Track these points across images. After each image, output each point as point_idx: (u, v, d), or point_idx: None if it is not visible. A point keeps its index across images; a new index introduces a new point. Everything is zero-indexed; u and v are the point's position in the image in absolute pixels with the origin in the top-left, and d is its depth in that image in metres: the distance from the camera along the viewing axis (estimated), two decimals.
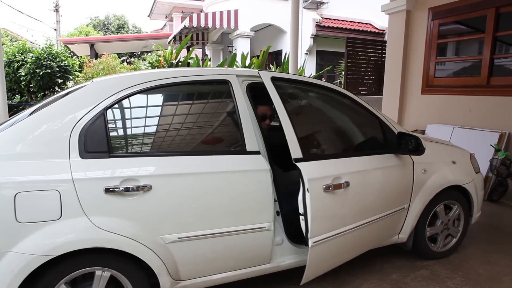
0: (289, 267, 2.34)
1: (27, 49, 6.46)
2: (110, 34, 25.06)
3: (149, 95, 2.12)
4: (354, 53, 8.20)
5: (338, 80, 10.66)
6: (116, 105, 1.97)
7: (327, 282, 2.57)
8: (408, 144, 2.53)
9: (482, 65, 4.96)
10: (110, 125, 1.93)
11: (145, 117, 2.13)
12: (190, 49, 7.64)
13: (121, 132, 2.04)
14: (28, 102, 6.42)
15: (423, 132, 5.52)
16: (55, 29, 18.57)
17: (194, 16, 10.52)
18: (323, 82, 2.67)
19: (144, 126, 2.12)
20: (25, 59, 6.31)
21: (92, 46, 14.40)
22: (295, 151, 2.12)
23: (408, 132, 2.62)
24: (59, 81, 6.60)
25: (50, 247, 1.72)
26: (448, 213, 2.94)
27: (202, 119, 2.31)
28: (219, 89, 2.32)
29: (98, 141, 1.88)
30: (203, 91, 2.37)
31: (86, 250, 1.79)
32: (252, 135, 2.19)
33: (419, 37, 5.92)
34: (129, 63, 13.10)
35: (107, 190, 1.81)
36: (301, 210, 2.13)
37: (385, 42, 8.81)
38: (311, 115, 2.84)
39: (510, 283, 2.60)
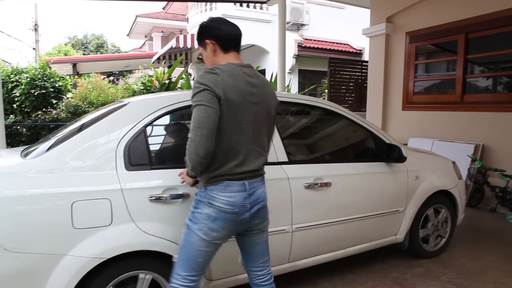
0: None
1: (21, 70, 6.55)
2: (89, 53, 25.03)
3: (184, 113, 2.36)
4: (336, 72, 8.69)
5: (321, 98, 11.12)
6: (155, 122, 2.21)
7: (336, 281, 2.84)
8: (393, 154, 2.88)
9: (456, 83, 5.47)
10: (150, 141, 2.17)
11: (179, 133, 2.38)
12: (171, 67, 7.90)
13: (159, 147, 2.28)
14: (22, 122, 6.47)
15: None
16: (34, 48, 18.45)
17: (181, 37, 10.84)
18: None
19: (179, 141, 2.36)
20: (19, 80, 6.38)
21: (74, 65, 14.44)
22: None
23: (394, 143, 2.96)
24: (54, 101, 6.69)
25: (102, 250, 1.91)
26: (437, 216, 3.28)
27: None
28: None
29: (140, 155, 2.11)
30: None
31: (131, 254, 1.99)
32: None
33: (398, 58, 6.42)
34: (113, 81, 13.19)
35: (151, 198, 2.03)
36: None
37: (364, 61, 9.40)
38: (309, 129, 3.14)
39: (494, 275, 2.96)
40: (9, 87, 6.32)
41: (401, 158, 2.84)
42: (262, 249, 1.92)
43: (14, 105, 6.52)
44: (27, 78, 6.33)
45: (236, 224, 1.77)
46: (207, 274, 2.23)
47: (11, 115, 6.34)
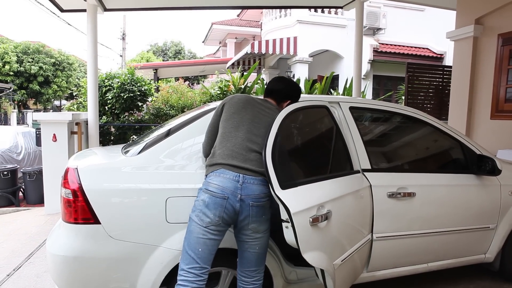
0: None
1: (113, 75, 7.22)
2: (168, 59, 26.79)
3: None
4: (414, 78, 8.28)
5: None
6: None
7: None
8: (485, 166, 2.67)
9: None
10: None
11: None
12: (245, 73, 8.10)
13: None
14: (112, 123, 7.12)
15: None
16: (121, 55, 20.23)
17: (256, 43, 11.12)
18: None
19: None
20: (112, 84, 7.03)
21: (156, 70, 15.54)
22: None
23: (486, 155, 2.76)
24: (139, 104, 7.27)
25: None
26: None
27: None
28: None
29: None
30: None
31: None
32: None
33: (487, 62, 5.93)
34: (188, 86, 13.93)
35: None
36: None
37: (446, 66, 8.83)
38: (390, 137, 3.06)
39: None
40: (103, 91, 7.00)
41: (495, 171, 2.64)
42: (251, 259, 1.96)
43: (106, 107, 7.19)
44: (118, 82, 6.96)
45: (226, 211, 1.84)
46: (285, 276, 2.27)
47: (104, 116, 7.01)
